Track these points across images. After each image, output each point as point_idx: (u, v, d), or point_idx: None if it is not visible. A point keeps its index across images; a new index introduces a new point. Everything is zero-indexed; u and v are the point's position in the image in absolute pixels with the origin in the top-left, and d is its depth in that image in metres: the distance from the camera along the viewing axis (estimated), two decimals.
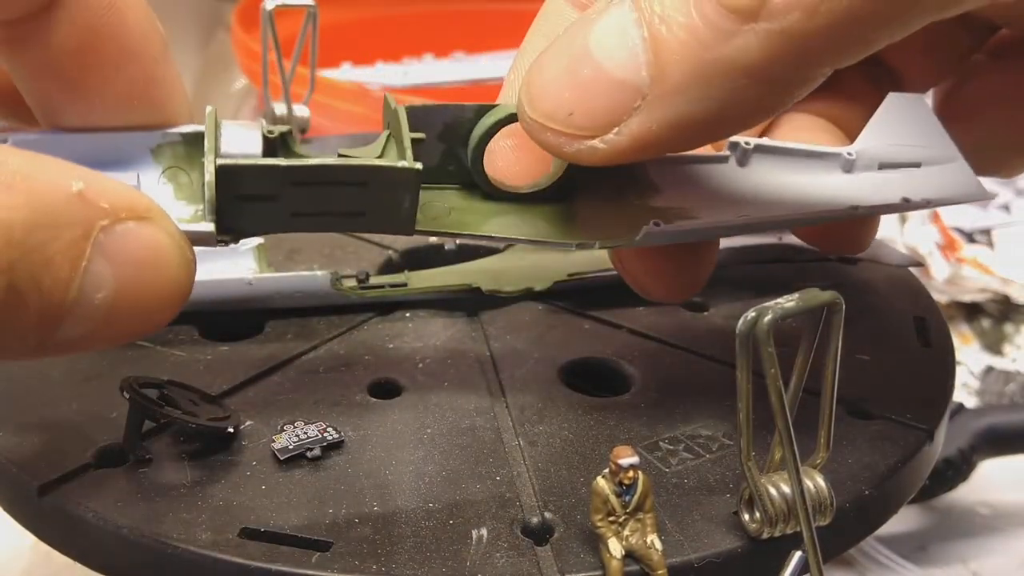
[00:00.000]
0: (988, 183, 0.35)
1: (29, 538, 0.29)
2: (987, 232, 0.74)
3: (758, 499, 0.26)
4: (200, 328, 0.36)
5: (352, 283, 0.38)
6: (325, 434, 0.30)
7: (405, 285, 0.39)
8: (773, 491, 0.26)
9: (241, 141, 0.27)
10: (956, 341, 0.46)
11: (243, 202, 0.26)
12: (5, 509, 0.30)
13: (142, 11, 0.27)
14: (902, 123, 0.35)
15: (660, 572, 0.26)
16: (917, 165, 0.35)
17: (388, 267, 0.41)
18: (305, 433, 0.30)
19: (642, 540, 0.26)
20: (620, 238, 0.30)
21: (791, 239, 0.41)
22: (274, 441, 0.30)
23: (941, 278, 0.69)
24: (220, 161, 0.26)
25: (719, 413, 0.32)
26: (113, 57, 0.26)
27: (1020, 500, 0.54)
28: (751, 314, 0.24)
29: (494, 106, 0.30)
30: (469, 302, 0.38)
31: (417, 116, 0.29)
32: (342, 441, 0.30)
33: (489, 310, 0.38)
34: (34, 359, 0.23)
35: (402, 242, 0.43)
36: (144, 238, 0.23)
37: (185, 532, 0.27)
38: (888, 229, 0.72)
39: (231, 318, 0.37)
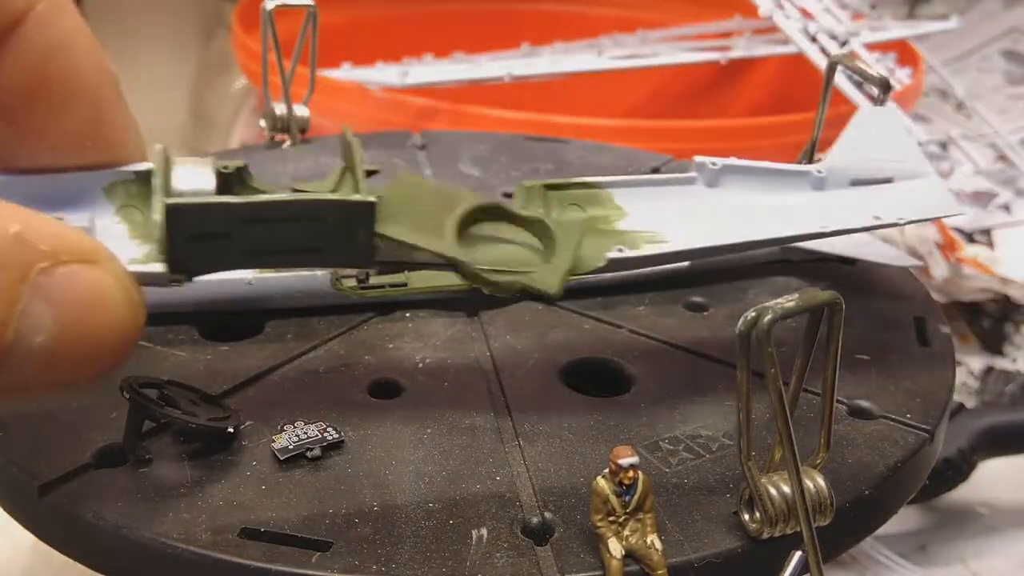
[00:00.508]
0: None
1: (29, 538, 0.29)
2: (987, 232, 0.74)
3: (758, 499, 0.26)
4: (200, 328, 0.36)
5: (352, 283, 0.38)
6: (325, 434, 0.30)
7: (405, 285, 0.39)
8: (773, 491, 0.26)
9: (193, 179, 0.27)
10: (956, 341, 0.46)
11: (195, 241, 0.26)
12: (5, 509, 0.30)
13: (92, 51, 0.26)
14: (874, 137, 0.35)
15: (660, 572, 0.26)
16: (889, 181, 0.35)
17: None
18: (305, 433, 0.30)
19: (642, 540, 0.26)
20: (586, 265, 0.30)
21: None
22: (274, 441, 0.30)
23: (941, 278, 0.69)
24: (168, 200, 0.25)
25: (719, 413, 0.32)
26: (63, 98, 0.26)
27: (1020, 500, 0.54)
28: (751, 314, 0.24)
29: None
30: (469, 302, 0.38)
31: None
32: (342, 441, 0.30)
33: (489, 310, 0.38)
34: None
35: None
36: (87, 281, 0.22)
37: (185, 532, 0.27)
38: (888, 229, 0.72)
39: (231, 318, 0.37)
